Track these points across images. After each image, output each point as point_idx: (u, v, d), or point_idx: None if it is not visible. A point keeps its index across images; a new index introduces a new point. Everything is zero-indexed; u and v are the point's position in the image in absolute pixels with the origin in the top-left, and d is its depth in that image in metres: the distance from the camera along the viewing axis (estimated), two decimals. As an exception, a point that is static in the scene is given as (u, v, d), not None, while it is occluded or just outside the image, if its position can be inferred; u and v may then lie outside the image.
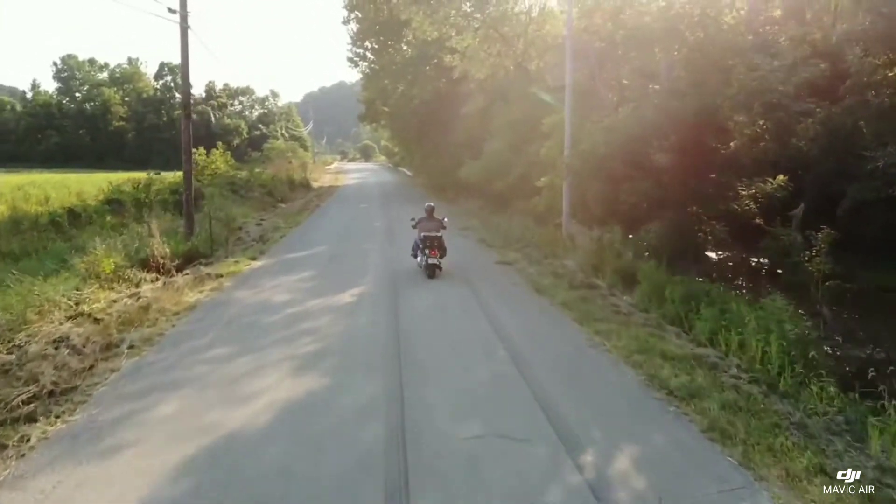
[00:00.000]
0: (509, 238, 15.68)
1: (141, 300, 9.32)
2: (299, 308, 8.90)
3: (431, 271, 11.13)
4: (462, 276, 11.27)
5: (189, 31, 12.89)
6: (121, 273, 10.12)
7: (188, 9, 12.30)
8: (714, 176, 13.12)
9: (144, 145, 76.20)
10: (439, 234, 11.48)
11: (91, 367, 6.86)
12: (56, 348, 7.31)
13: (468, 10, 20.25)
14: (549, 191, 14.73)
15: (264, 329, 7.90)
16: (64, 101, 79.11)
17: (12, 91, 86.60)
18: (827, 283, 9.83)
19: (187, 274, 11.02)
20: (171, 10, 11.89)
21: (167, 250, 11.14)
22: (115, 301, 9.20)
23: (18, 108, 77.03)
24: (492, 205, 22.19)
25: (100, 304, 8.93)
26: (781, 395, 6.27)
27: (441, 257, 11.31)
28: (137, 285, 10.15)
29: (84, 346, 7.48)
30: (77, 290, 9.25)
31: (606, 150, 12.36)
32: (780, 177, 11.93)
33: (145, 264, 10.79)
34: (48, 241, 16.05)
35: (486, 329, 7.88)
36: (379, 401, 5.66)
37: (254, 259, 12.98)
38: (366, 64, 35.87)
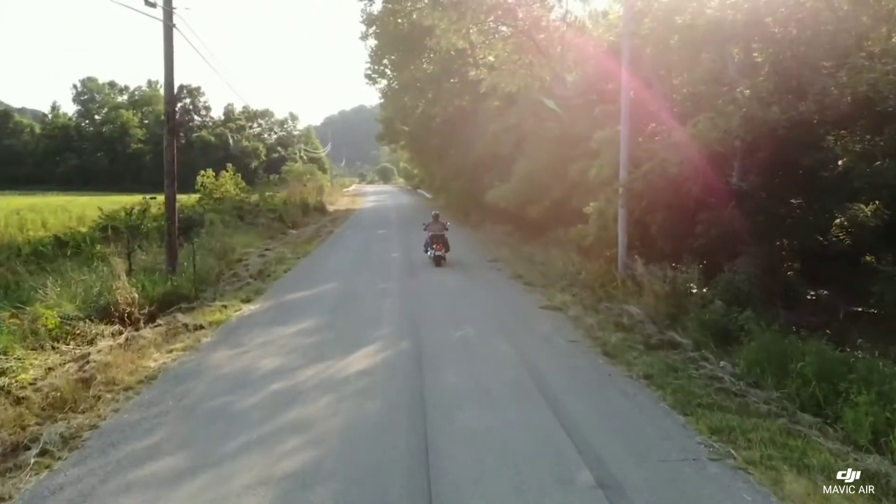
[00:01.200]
0: (550, 274, 13.31)
1: (88, 367, 7.12)
2: (289, 382, 6.59)
3: (437, 261, 14.87)
4: (503, 328, 8.94)
5: (178, 34, 10.91)
6: (70, 327, 7.96)
7: (173, 5, 10.31)
8: (800, 201, 10.82)
9: (162, 167, 75.40)
10: (443, 234, 15.22)
11: (-26, 490, 4.62)
12: (-55, 452, 5.17)
13: (499, 13, 18.18)
14: (599, 219, 12.35)
15: (236, 421, 5.61)
16: (83, 124, 79.01)
17: (35, 114, 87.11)
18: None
19: (159, 325, 8.82)
20: (148, 3, 9.86)
21: (135, 295, 8.96)
22: (52, 369, 7.02)
23: (38, 130, 77.03)
24: (522, 232, 19.89)
25: (29, 375, 6.75)
26: None
27: (445, 251, 15.07)
28: (91, 343, 7.96)
29: (-18, 448, 5.30)
30: (5, 353, 7.10)
31: (679, 170, 10.01)
32: (875, 203, 9.61)
33: (106, 314, 8.61)
34: (28, 273, 14.09)
35: (551, 426, 5.47)
36: None
37: (247, 301, 10.77)
38: (385, 81, 34.17)
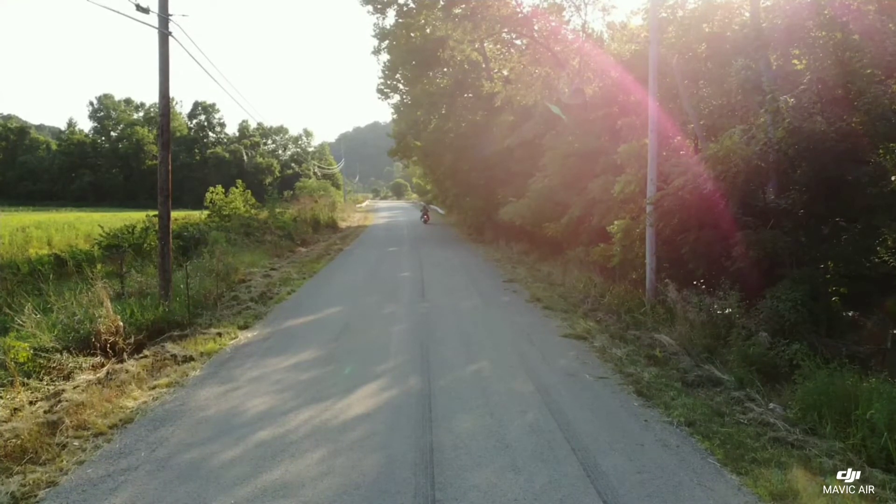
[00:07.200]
0: (571, 298, 12.44)
1: (58, 407, 6.39)
2: (279, 429, 5.77)
3: (424, 221, 38.15)
4: (522, 361, 8.06)
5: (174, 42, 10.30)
6: (45, 360, 7.25)
7: (170, 11, 9.70)
8: (845, 220, 9.94)
9: (176, 184, 74.87)
10: (427, 212, 39.86)
11: None
12: None
13: (514, 24, 17.49)
14: (624, 238, 11.48)
15: (211, 480, 4.80)
16: (99, 140, 79.66)
17: (53, 131, 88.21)
18: None
19: (145, 356, 8.08)
20: (140, 9, 9.25)
21: (120, 323, 8.25)
22: (18, 410, 6.29)
23: (54, 146, 77.74)
24: (539, 250, 19.06)
25: (-9, 417, 6.03)
26: None
27: (428, 219, 38.70)
28: (68, 377, 7.24)
29: None
30: (-32, 390, 6.40)
31: (716, 186, 9.16)
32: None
33: (87, 344, 7.89)
34: (25, 294, 13.48)
35: (584, 492, 4.60)
36: None
37: (245, 328, 10.02)
38: (397, 96, 33.73)
